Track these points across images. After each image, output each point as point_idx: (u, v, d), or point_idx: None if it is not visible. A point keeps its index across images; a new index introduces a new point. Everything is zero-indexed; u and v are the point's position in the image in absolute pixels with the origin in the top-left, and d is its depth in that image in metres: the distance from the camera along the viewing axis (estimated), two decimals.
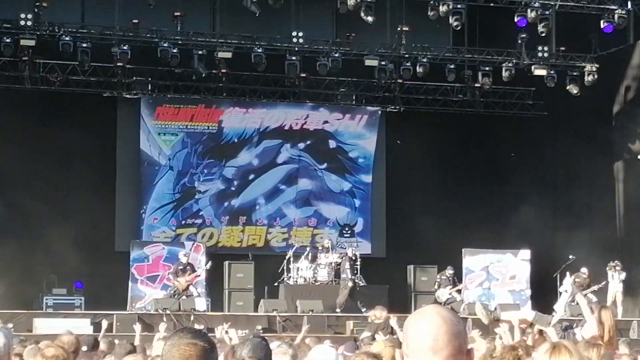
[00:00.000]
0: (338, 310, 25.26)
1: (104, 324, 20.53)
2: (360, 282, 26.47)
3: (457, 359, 3.05)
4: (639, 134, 29.02)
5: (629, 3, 27.74)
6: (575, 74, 28.74)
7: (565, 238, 27.28)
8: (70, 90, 28.33)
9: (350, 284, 25.82)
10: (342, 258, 26.42)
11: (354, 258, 26.24)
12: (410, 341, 3.10)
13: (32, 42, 26.44)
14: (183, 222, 29.42)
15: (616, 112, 29.44)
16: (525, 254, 27.93)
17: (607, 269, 26.15)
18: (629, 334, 22.73)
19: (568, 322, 12.98)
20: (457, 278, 26.78)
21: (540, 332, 13.88)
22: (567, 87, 28.74)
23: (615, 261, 26.37)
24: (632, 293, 27.16)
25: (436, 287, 26.54)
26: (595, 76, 28.59)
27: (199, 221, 29.53)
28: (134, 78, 28.99)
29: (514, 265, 28.01)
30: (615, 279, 26.12)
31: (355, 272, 26.59)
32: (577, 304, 24.49)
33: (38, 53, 27.39)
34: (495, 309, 20.69)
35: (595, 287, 25.67)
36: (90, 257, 26.97)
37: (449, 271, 26.54)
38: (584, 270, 25.79)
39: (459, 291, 26.71)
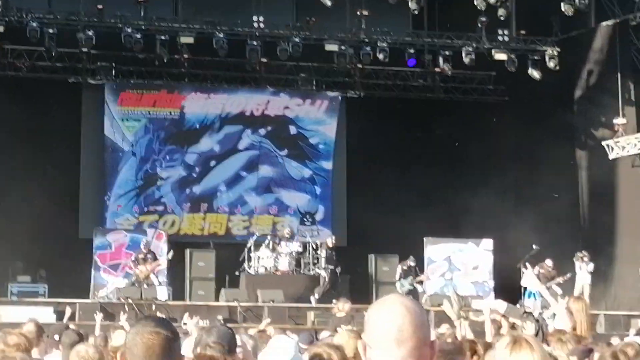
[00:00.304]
0: (316, 296, 25.26)
1: (67, 311, 20.59)
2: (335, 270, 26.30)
3: (421, 351, 3.00)
4: (601, 119, 28.83)
5: None
6: (536, 58, 28.55)
7: (528, 227, 27.14)
8: (37, 76, 28.34)
9: (323, 273, 25.88)
10: (318, 247, 26.38)
11: (331, 246, 26.14)
12: (372, 332, 3.03)
13: (0, 29, 26.49)
14: (145, 209, 29.32)
15: (578, 97, 29.26)
16: (488, 243, 27.66)
17: (575, 259, 25.95)
18: (595, 328, 22.66)
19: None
20: (418, 268, 26.74)
21: (513, 325, 13.92)
22: (529, 72, 28.53)
23: (583, 252, 26.15)
24: (596, 284, 27.05)
25: (397, 277, 26.44)
26: (557, 60, 28.35)
27: (160, 208, 29.43)
28: (99, 64, 28.95)
29: (476, 255, 27.69)
30: (583, 270, 25.88)
31: (315, 261, 26.57)
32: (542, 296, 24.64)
33: (6, 39, 27.40)
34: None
35: (559, 279, 25.48)
36: (54, 244, 26.99)
37: (411, 262, 26.45)
38: (548, 261, 25.65)
39: (421, 282, 26.67)
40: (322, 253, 26.19)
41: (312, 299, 25.14)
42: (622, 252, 27.83)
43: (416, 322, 3.00)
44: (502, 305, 15.20)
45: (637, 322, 23.47)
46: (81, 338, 9.34)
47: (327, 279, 25.80)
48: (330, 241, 26.34)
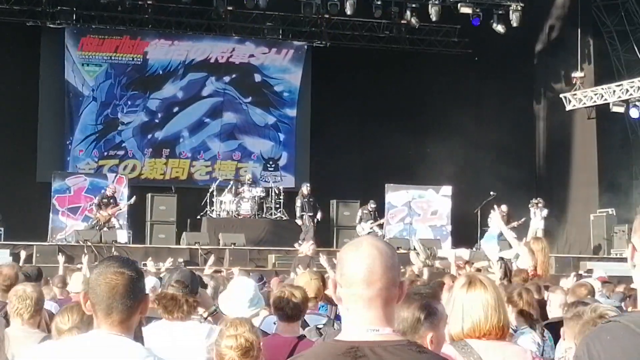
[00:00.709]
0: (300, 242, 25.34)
1: (22, 254, 20.40)
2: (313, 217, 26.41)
3: (390, 291, 3.07)
4: (561, 73, 29.52)
5: None
6: (500, 12, 28.90)
7: (486, 175, 27.69)
8: None
9: (301, 222, 25.99)
10: (280, 192, 26.66)
11: (306, 194, 26.17)
12: (344, 272, 3.08)
13: None
14: (105, 153, 29.14)
15: (539, 50, 29.89)
16: (447, 190, 28.33)
17: (530, 205, 26.73)
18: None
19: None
20: (378, 213, 26.99)
21: (478, 269, 14.15)
22: (493, 25, 28.87)
23: (538, 198, 26.98)
24: (550, 229, 27.81)
25: (357, 221, 26.74)
26: (520, 15, 28.80)
27: (121, 153, 29.29)
28: (58, 7, 28.50)
29: (435, 201, 28.39)
30: (537, 215, 26.66)
31: (278, 206, 26.69)
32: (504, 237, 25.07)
33: None
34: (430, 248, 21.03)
35: (514, 224, 26.13)
36: (11, 188, 26.75)
37: (371, 205, 26.81)
38: (503, 207, 26.20)
39: (381, 226, 26.98)
40: (297, 202, 26.10)
41: (295, 245, 25.25)
42: (575, 199, 28.90)
43: (386, 264, 3.06)
44: (465, 252, 15.49)
45: (585, 264, 24.22)
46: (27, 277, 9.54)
47: (308, 226, 25.86)
48: (306, 189, 26.35)
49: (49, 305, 8.82)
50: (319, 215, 26.24)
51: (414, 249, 20.90)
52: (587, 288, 8.85)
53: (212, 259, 20.78)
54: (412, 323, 4.17)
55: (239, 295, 6.79)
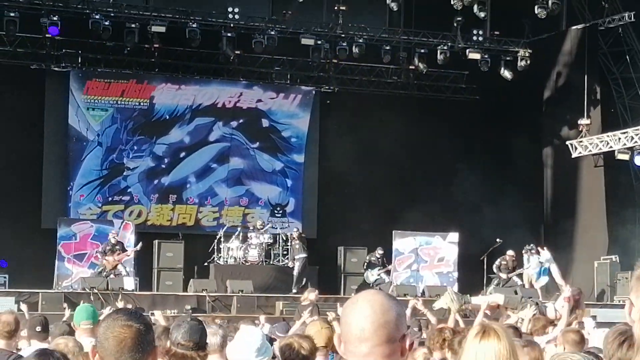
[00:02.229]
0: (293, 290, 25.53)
1: (24, 307, 20.41)
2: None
3: (387, 346, 3.13)
4: (568, 120, 29.93)
5: None
6: (508, 58, 29.68)
7: (493, 222, 27.96)
8: None
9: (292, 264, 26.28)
10: (288, 238, 27.04)
11: (295, 237, 26.56)
12: (342, 328, 3.21)
13: None
14: (110, 198, 29.51)
15: (547, 97, 30.31)
16: (454, 236, 28.88)
17: (523, 252, 27.14)
18: None
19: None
20: (386, 259, 27.26)
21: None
22: (500, 72, 29.36)
23: (531, 244, 27.29)
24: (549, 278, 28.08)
25: (365, 267, 27.21)
26: (528, 61, 29.53)
27: (126, 198, 29.64)
28: (64, 50, 28.80)
29: (442, 247, 28.92)
30: (532, 262, 27.01)
31: (285, 253, 26.96)
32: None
33: None
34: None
35: (520, 270, 26.53)
36: (15, 234, 27.08)
37: (379, 252, 27.37)
38: (510, 252, 26.70)
39: (388, 272, 27.31)
40: (296, 245, 26.55)
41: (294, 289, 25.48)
42: (581, 247, 29.26)
43: (379, 321, 3.13)
44: (500, 297, 15.67)
45: (589, 310, 24.44)
46: (72, 330, 9.50)
47: (295, 270, 26.13)
48: (296, 232, 26.62)
49: None
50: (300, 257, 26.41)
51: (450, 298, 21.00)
52: (579, 334, 8.85)
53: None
54: None
55: (246, 344, 6.82)
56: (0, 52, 28.05)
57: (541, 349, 9.21)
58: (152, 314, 18.41)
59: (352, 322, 3.15)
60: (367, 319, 3.12)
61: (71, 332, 9.57)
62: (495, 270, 26.94)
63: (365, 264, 27.15)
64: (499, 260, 26.90)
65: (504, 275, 26.76)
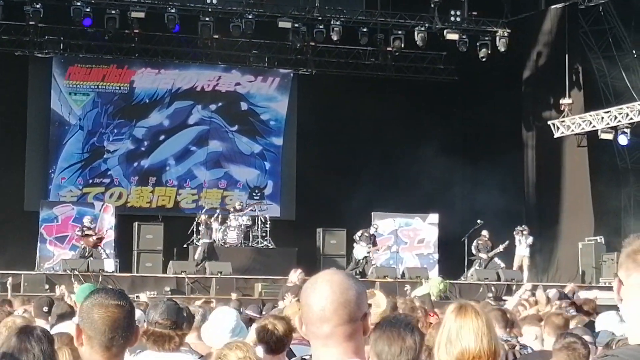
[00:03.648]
0: None
1: (9, 284, 21.01)
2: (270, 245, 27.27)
3: (348, 326, 3.17)
4: (548, 100, 30.02)
5: None
6: (487, 39, 29.86)
7: (473, 202, 28.25)
8: None
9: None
10: (267, 220, 27.55)
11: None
12: (302, 309, 3.27)
13: None
14: (90, 181, 30.27)
15: (526, 77, 30.44)
16: (434, 217, 29.35)
17: (515, 233, 27.51)
18: None
19: None
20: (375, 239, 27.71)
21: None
22: (479, 52, 29.59)
23: (523, 225, 27.75)
24: (540, 258, 28.40)
25: (357, 238, 27.27)
26: (507, 41, 29.60)
27: (106, 180, 30.40)
28: (46, 37, 29.51)
29: (422, 229, 29.31)
30: (522, 243, 27.49)
31: (264, 235, 27.32)
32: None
33: None
34: None
35: (500, 248, 26.75)
36: None
37: (372, 230, 27.61)
38: (484, 232, 26.95)
39: (370, 252, 27.65)
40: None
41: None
42: (565, 229, 29.31)
43: (339, 301, 3.16)
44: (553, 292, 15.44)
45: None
46: (72, 310, 9.78)
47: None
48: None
49: None
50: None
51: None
52: (563, 316, 9.09)
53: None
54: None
55: (220, 325, 6.95)
56: None
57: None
58: (138, 297, 18.92)
59: (312, 303, 3.19)
60: (327, 299, 3.16)
61: (72, 312, 9.94)
62: (474, 251, 27.28)
63: (357, 236, 27.24)
64: (475, 241, 27.29)
65: (484, 256, 27.14)
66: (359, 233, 27.33)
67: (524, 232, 27.38)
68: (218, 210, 27.77)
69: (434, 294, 19.70)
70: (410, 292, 20.89)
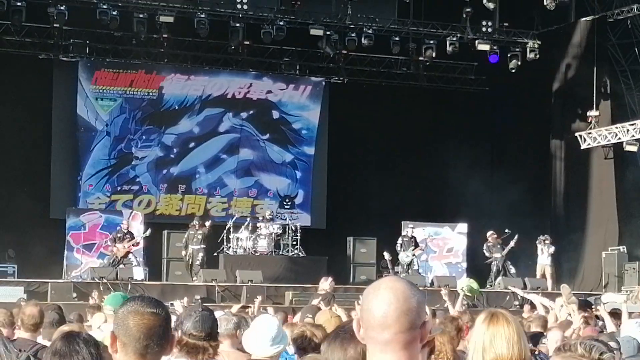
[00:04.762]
0: None
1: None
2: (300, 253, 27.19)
3: (408, 334, 3.20)
4: (576, 111, 30.22)
5: None
6: (517, 50, 29.87)
7: (502, 212, 28.33)
8: (4, 51, 28.24)
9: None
10: (297, 229, 27.46)
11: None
12: (363, 315, 3.26)
13: None
14: (118, 188, 30.05)
15: (555, 89, 30.58)
16: (463, 227, 29.51)
17: (537, 242, 27.65)
18: None
19: None
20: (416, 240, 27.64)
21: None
22: (509, 63, 29.63)
23: (545, 235, 27.82)
24: (566, 267, 28.56)
25: (399, 248, 27.19)
26: (537, 53, 29.65)
27: (135, 187, 30.20)
28: (71, 40, 29.17)
29: (451, 238, 29.43)
30: (544, 252, 27.61)
31: (295, 243, 27.22)
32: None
33: None
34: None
35: (511, 244, 26.81)
36: (25, 225, 27.40)
37: (410, 232, 27.49)
38: (489, 233, 26.93)
39: (415, 255, 27.52)
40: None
41: None
42: (590, 238, 29.75)
43: (402, 309, 3.19)
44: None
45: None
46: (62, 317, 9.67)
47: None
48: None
49: None
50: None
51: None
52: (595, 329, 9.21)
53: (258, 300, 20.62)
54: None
55: (261, 333, 6.81)
56: (8, 42, 28.34)
57: None
58: (172, 304, 18.78)
59: (374, 308, 3.21)
60: (390, 306, 3.19)
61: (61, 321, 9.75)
62: (487, 254, 27.20)
63: (399, 245, 27.11)
64: (485, 244, 27.28)
65: (498, 255, 27.02)
66: (399, 243, 27.21)
67: (546, 242, 27.49)
68: (248, 219, 27.68)
69: (465, 291, 19.52)
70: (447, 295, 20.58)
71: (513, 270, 27.23)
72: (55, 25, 27.94)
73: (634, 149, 29.00)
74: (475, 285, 20.96)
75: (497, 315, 4.45)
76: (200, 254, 26.39)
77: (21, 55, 28.62)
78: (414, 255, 27.18)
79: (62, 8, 27.23)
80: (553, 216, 30.77)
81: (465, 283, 20.30)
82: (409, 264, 27.12)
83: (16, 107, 28.40)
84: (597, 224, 29.81)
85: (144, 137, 30.16)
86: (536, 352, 8.12)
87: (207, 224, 26.93)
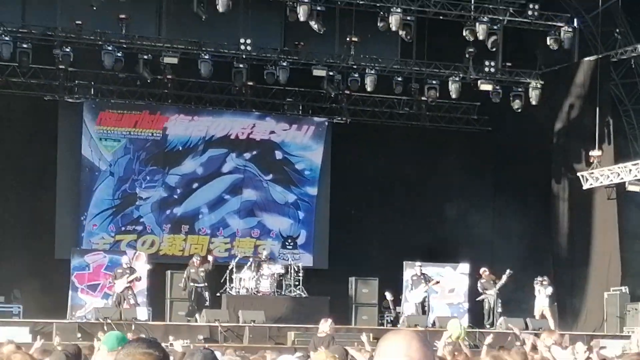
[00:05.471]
0: None
1: (38, 342, 20.71)
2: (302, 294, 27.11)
3: None
4: (579, 152, 30.05)
5: (575, 21, 28.76)
6: (520, 90, 30.00)
7: (503, 253, 28.22)
8: (10, 93, 28.42)
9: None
10: (300, 269, 27.37)
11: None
12: (384, 352, 3.20)
13: None
14: (122, 228, 30.02)
15: (558, 129, 30.47)
16: (465, 267, 29.23)
17: (534, 283, 27.44)
18: None
19: None
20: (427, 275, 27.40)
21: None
22: (512, 103, 29.64)
23: (544, 276, 27.58)
24: (570, 307, 28.36)
25: (409, 289, 27.09)
26: (540, 92, 29.61)
27: (139, 228, 30.16)
28: (76, 82, 29.33)
29: (453, 278, 29.12)
30: (542, 293, 27.36)
31: (297, 283, 27.15)
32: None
33: None
34: None
35: (504, 279, 26.58)
36: (30, 265, 27.40)
37: (417, 269, 27.33)
38: (482, 269, 26.85)
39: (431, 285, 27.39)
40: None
41: None
42: (592, 278, 29.69)
43: (423, 342, 3.19)
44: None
45: (599, 341, 24.80)
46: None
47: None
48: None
49: None
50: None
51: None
52: None
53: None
54: None
55: None
56: (14, 84, 28.54)
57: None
58: (171, 344, 18.76)
59: (400, 342, 3.18)
60: (414, 340, 3.16)
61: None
62: (481, 290, 27.10)
63: (409, 285, 27.07)
64: (478, 282, 27.18)
65: (491, 292, 26.90)
66: (409, 283, 27.09)
67: (544, 283, 27.29)
68: (251, 259, 27.62)
69: (453, 338, 19.39)
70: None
71: (500, 310, 27.01)
72: (60, 66, 28.12)
73: (636, 189, 28.73)
74: (457, 332, 20.75)
75: (500, 358, 4.35)
76: (207, 293, 26.31)
77: (27, 97, 28.74)
78: (426, 291, 26.99)
79: (68, 50, 27.49)
80: (555, 256, 30.56)
81: (454, 333, 20.12)
82: (422, 302, 26.95)
83: (22, 148, 28.53)
84: (600, 264, 29.60)
85: (148, 178, 30.19)
86: None
87: (210, 259, 26.96)
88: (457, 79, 29.40)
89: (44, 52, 27.61)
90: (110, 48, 27.69)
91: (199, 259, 26.78)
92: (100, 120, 29.77)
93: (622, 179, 28.81)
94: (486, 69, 29.53)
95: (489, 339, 14.79)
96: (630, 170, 28.64)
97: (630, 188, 28.74)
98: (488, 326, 26.52)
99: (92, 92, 29.65)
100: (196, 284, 26.32)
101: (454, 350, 15.13)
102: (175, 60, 28.34)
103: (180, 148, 30.44)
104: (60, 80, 28.96)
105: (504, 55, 29.75)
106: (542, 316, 26.91)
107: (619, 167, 28.99)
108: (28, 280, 26.96)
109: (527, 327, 26.03)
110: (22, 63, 27.48)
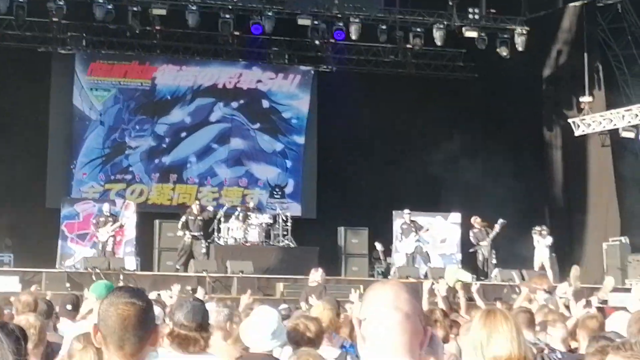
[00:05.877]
0: None
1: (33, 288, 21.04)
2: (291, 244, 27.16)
3: (416, 323, 3.17)
4: (569, 98, 29.76)
5: None
6: (505, 36, 29.74)
7: (495, 202, 27.97)
8: (5, 45, 28.81)
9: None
10: (288, 219, 27.23)
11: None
12: (371, 303, 3.20)
13: None
14: (112, 177, 30.20)
15: (547, 76, 30.24)
16: (456, 217, 28.82)
17: (533, 233, 26.69)
18: None
19: None
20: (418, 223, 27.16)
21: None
22: (498, 50, 29.49)
23: (542, 226, 26.95)
24: (567, 259, 28.01)
25: (399, 239, 26.90)
26: (525, 39, 29.37)
27: (128, 177, 30.35)
28: (69, 34, 29.58)
29: (444, 228, 28.85)
30: (541, 244, 26.61)
31: (285, 233, 27.19)
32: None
33: None
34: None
35: (497, 229, 25.99)
36: (21, 214, 27.51)
37: (406, 216, 26.96)
38: (473, 219, 26.44)
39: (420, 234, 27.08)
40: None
41: None
42: (590, 229, 29.09)
43: (412, 295, 3.19)
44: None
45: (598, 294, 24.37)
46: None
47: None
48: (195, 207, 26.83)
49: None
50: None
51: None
52: (598, 320, 8.89)
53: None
54: None
55: (261, 326, 6.65)
56: (10, 36, 28.92)
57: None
58: (159, 295, 18.86)
59: (386, 293, 3.18)
60: (402, 289, 3.18)
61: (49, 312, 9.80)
62: (473, 241, 26.48)
63: (399, 233, 26.84)
64: (470, 231, 26.57)
65: (484, 243, 26.27)
66: (399, 232, 26.88)
67: (543, 232, 26.44)
68: (238, 209, 27.61)
69: (450, 284, 19.26)
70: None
71: (494, 261, 26.50)
72: (54, 19, 28.40)
73: (631, 135, 28.11)
74: (452, 279, 20.69)
75: (494, 313, 4.45)
76: (203, 244, 26.38)
77: (22, 49, 29.08)
78: (417, 240, 26.82)
79: (61, 3, 27.69)
80: (551, 205, 30.11)
81: (450, 279, 20.08)
82: (413, 252, 26.78)
83: (16, 99, 28.63)
84: (597, 214, 29.03)
85: (137, 127, 30.38)
86: (545, 351, 7.85)
87: (210, 208, 27.05)
88: (441, 26, 29.12)
89: (38, 5, 27.76)
90: (101, 0, 27.79)
91: (198, 207, 26.82)
92: (91, 71, 30.03)
93: (614, 125, 28.30)
94: (470, 16, 29.22)
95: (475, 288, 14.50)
96: (623, 116, 28.12)
97: (625, 134, 28.12)
98: (482, 278, 25.74)
99: (84, 44, 29.86)
100: (193, 233, 26.50)
101: (450, 303, 14.96)
102: (163, 12, 28.54)
103: (169, 97, 30.58)
104: (54, 32, 29.27)
105: (488, 1, 29.50)
106: (542, 267, 25.98)
107: (610, 113, 28.47)
108: (19, 229, 27.20)
109: (523, 279, 25.52)
110: (18, 17, 27.78)
